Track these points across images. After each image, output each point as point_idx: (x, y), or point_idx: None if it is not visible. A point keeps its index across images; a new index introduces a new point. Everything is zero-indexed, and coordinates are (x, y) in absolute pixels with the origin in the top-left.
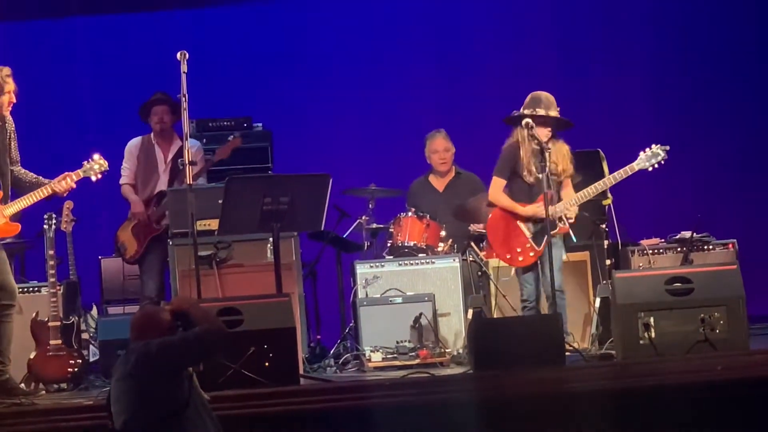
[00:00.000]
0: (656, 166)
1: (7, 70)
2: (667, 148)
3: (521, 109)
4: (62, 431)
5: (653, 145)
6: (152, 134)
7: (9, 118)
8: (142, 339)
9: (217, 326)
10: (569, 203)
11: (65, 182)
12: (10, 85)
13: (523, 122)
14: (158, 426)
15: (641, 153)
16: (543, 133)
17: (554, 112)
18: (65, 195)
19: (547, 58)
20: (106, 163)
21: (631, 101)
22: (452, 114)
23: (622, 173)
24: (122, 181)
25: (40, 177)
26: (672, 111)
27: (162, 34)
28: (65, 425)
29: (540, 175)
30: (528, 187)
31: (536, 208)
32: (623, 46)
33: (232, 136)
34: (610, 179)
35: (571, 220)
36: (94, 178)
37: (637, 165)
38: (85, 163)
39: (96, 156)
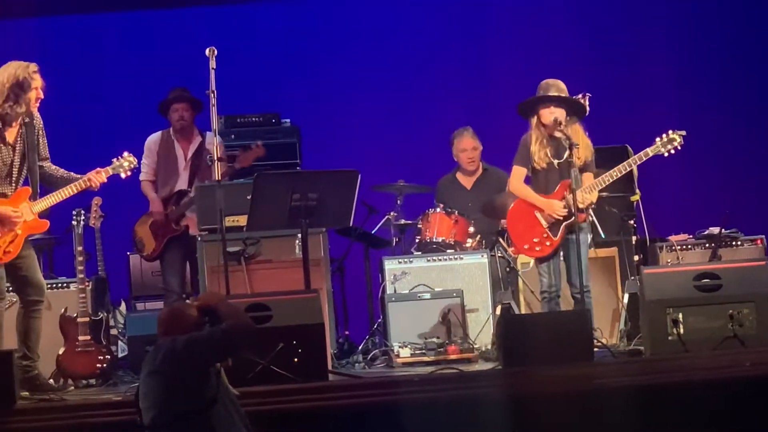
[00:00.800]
0: (672, 151)
1: (33, 66)
2: (683, 133)
3: None
4: (91, 427)
5: (669, 131)
6: (171, 130)
7: (37, 115)
8: (170, 335)
9: (245, 322)
10: (585, 190)
11: (95, 179)
12: (37, 81)
13: (546, 114)
14: (186, 422)
15: (657, 138)
16: (556, 113)
17: (554, 92)
18: (95, 191)
19: (573, 53)
20: (136, 161)
21: (658, 96)
22: (480, 109)
23: (636, 159)
24: (142, 177)
25: (71, 173)
26: (700, 106)
27: (190, 30)
28: (94, 421)
29: (555, 161)
30: (542, 174)
31: (549, 203)
32: (650, 40)
33: (254, 144)
34: (625, 165)
35: (593, 206)
36: (123, 175)
37: (652, 150)
38: (115, 160)
39: (126, 153)
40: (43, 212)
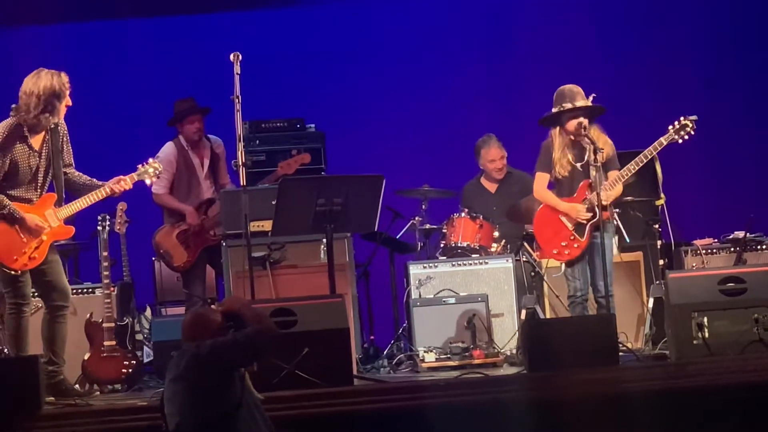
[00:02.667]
0: (686, 137)
1: (65, 76)
2: (695, 117)
3: (551, 109)
4: None
5: (681, 117)
6: (183, 141)
7: (62, 121)
8: (194, 340)
9: (269, 327)
10: (606, 187)
11: (120, 185)
12: (68, 90)
13: (576, 125)
14: (211, 427)
15: (669, 126)
16: (584, 120)
17: (581, 102)
18: (119, 197)
19: (595, 57)
20: (161, 166)
21: (683, 100)
22: (504, 113)
23: (652, 149)
24: (158, 190)
25: (94, 179)
26: (724, 110)
27: (214, 36)
28: (119, 426)
29: (578, 165)
30: (566, 178)
31: (573, 207)
32: (672, 42)
33: (295, 151)
34: (641, 157)
35: (618, 211)
36: (148, 182)
37: (666, 138)
38: (140, 166)
39: (151, 159)
40: (68, 218)
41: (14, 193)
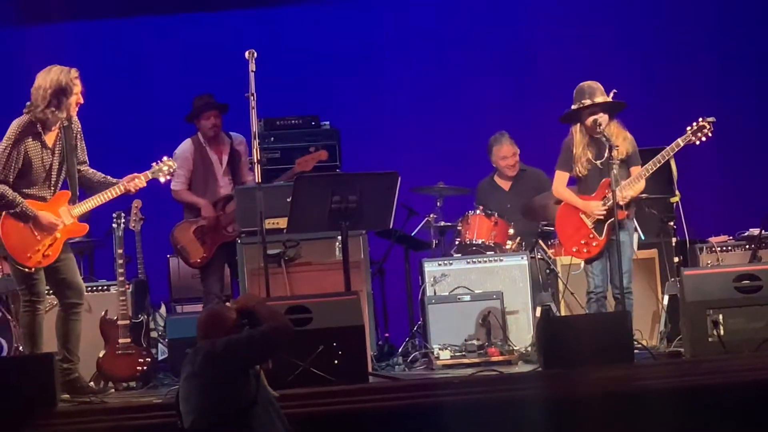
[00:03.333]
0: (703, 138)
1: (75, 72)
2: (713, 119)
3: (571, 106)
4: (131, 429)
5: (699, 119)
6: (201, 137)
7: (75, 119)
8: (209, 338)
9: (283, 323)
10: (624, 187)
11: (134, 183)
12: (78, 87)
13: (590, 121)
14: (226, 424)
15: (687, 128)
16: (602, 117)
17: (601, 98)
18: (133, 195)
19: (612, 54)
20: (175, 164)
21: (696, 97)
22: (519, 111)
23: (669, 150)
24: (176, 186)
25: (108, 177)
26: (739, 108)
27: (229, 33)
28: (134, 423)
29: (597, 162)
30: (586, 176)
31: (589, 205)
32: (690, 40)
33: (313, 148)
34: (658, 158)
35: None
36: (162, 180)
37: (683, 140)
38: (154, 164)
39: (165, 158)
40: (82, 215)
41: (28, 191)
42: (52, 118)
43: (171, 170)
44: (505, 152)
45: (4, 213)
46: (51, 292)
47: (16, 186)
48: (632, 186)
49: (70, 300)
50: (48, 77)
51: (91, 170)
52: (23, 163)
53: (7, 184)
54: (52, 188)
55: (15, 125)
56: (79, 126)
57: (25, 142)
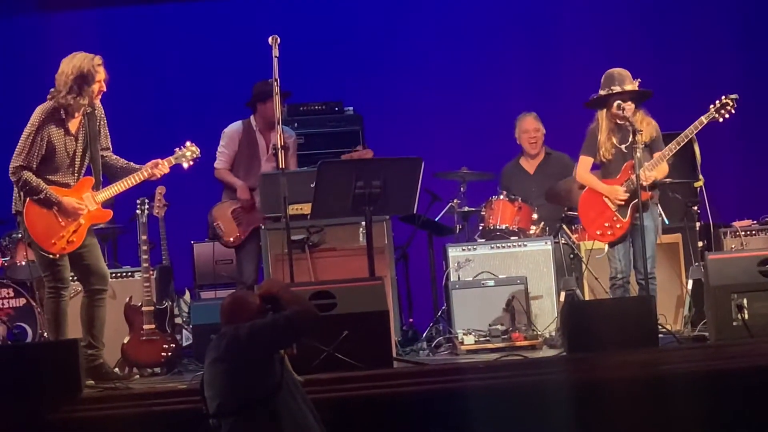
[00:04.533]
0: (726, 116)
1: (98, 59)
2: (735, 96)
3: (599, 92)
4: (156, 415)
5: (722, 96)
6: (254, 122)
7: (98, 105)
8: (233, 323)
9: (307, 308)
10: (647, 168)
11: (157, 169)
12: (101, 74)
13: (614, 105)
14: (251, 409)
15: (711, 106)
16: (628, 105)
17: (630, 86)
18: (158, 180)
19: (636, 39)
20: (198, 150)
21: (720, 80)
22: (544, 96)
23: (693, 128)
24: (219, 165)
25: (131, 163)
26: (764, 90)
27: (253, 19)
28: (159, 409)
29: (622, 147)
30: (611, 161)
31: (612, 189)
32: (712, 23)
33: (360, 146)
34: (681, 137)
35: (658, 190)
36: (186, 165)
37: (706, 117)
38: (177, 150)
39: (188, 143)
40: (106, 202)
41: (52, 178)
42: (75, 105)
43: (194, 155)
44: (527, 126)
45: (28, 200)
46: (75, 278)
47: (39, 172)
48: (656, 167)
49: (95, 286)
50: (71, 63)
51: (115, 156)
52: (47, 150)
53: (30, 170)
54: (76, 175)
55: (38, 111)
56: (103, 113)
57: (48, 129)
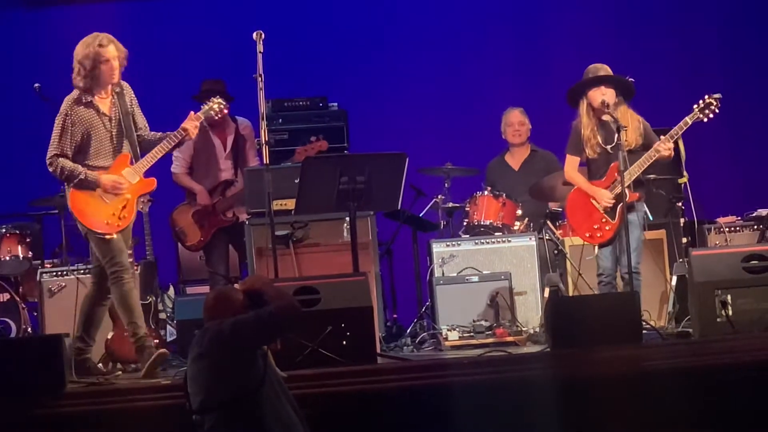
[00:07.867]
0: (711, 116)
1: (103, 39)
2: (719, 95)
3: None
4: (139, 411)
5: (706, 96)
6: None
7: (126, 85)
8: (216, 319)
9: (291, 304)
10: (633, 170)
11: (190, 126)
12: (110, 52)
13: (598, 100)
14: (234, 405)
15: (694, 106)
16: (607, 95)
17: (603, 73)
18: (192, 138)
19: (621, 36)
20: (224, 103)
21: (705, 77)
22: (530, 93)
23: (677, 129)
24: (176, 169)
25: (165, 133)
26: (748, 87)
27: (237, 14)
28: (142, 405)
29: (607, 147)
30: (596, 160)
31: (600, 193)
32: (696, 20)
33: (314, 138)
34: (667, 138)
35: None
36: (216, 117)
37: (690, 118)
38: (204, 105)
39: (214, 98)
40: (146, 171)
41: (90, 164)
42: (94, 87)
43: (221, 107)
44: (513, 119)
45: (71, 190)
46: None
47: (77, 161)
48: (641, 167)
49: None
50: (78, 48)
51: (152, 133)
52: (82, 136)
53: (65, 157)
54: (114, 156)
55: (66, 100)
56: (132, 93)
57: (78, 114)
